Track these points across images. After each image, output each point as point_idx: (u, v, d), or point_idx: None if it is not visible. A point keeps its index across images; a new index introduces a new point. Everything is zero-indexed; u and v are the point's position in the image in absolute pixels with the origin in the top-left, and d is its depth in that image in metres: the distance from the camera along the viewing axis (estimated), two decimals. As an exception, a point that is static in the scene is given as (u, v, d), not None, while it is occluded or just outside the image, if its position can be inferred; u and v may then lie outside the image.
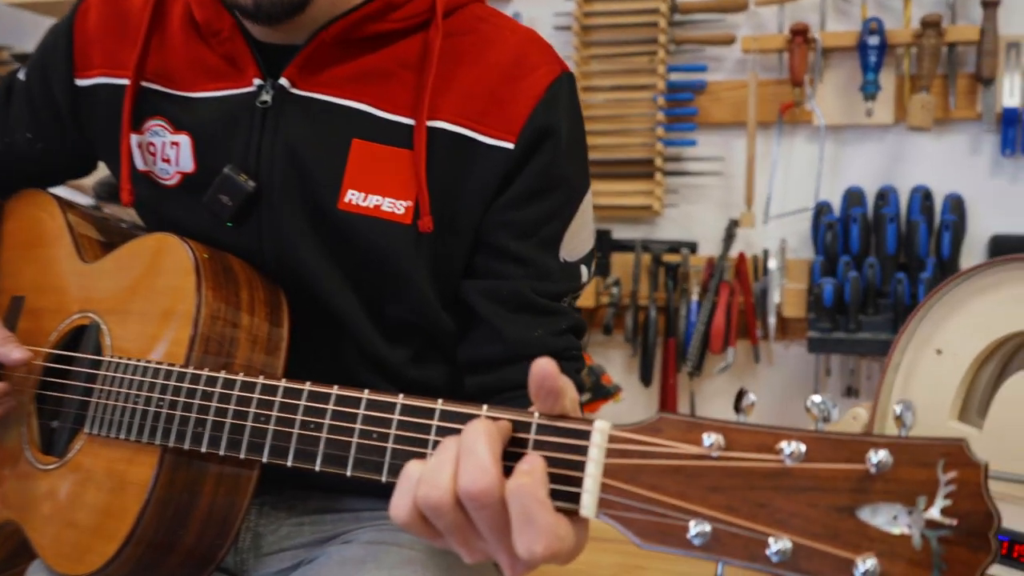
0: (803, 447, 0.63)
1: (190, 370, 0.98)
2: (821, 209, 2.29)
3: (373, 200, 1.08)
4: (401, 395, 0.80)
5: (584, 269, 1.19)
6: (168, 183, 1.15)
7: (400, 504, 0.71)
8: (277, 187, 1.09)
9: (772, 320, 2.24)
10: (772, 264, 2.27)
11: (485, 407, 0.75)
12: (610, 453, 0.68)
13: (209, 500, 1.02)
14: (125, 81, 1.15)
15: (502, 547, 0.69)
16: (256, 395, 0.91)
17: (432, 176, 1.07)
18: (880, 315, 2.12)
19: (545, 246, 1.12)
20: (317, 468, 0.85)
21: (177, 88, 1.14)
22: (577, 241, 1.15)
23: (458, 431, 0.73)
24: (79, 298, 1.16)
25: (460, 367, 1.14)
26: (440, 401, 0.78)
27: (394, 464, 0.79)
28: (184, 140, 1.13)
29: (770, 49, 2.31)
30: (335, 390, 0.85)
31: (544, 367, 0.69)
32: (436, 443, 0.76)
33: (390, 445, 0.79)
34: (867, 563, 0.60)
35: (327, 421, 0.85)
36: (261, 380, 0.92)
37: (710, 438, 0.65)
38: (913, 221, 2.23)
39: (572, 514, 0.68)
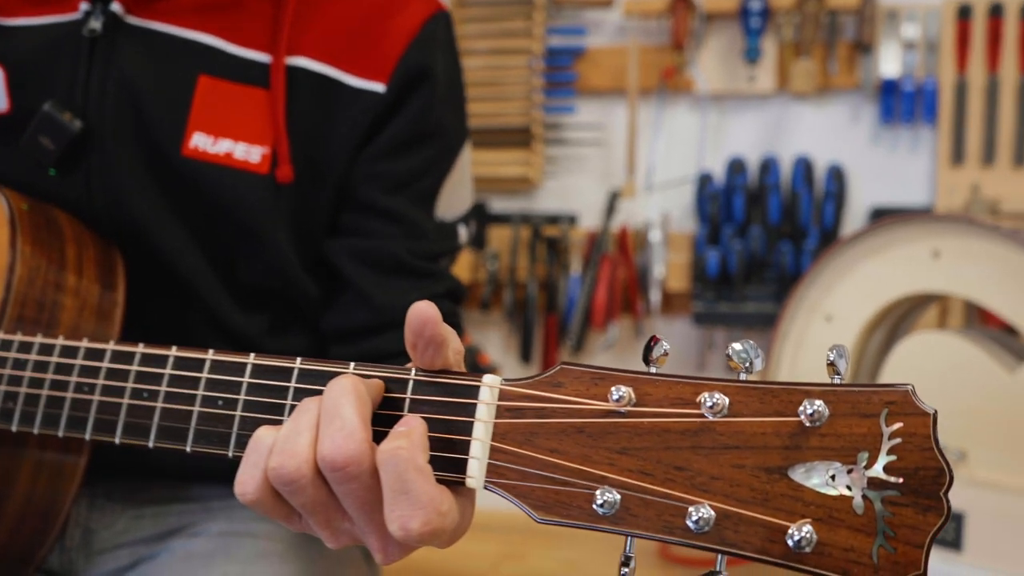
0: (726, 399, 0.54)
1: (0, 335, 0.83)
2: (704, 179, 2.25)
3: (224, 145, 0.96)
4: (252, 354, 0.68)
5: (462, 229, 1.10)
6: None
7: (247, 478, 0.59)
8: (109, 129, 0.95)
9: (656, 294, 2.19)
10: (655, 236, 2.22)
11: (352, 364, 0.63)
12: (501, 412, 0.57)
13: (26, 490, 0.88)
14: None
15: (372, 527, 0.58)
16: (79, 361, 0.77)
17: (292, 120, 0.96)
18: (765, 286, 2.10)
19: (420, 202, 1.03)
20: (151, 444, 0.73)
21: None
22: (455, 198, 1.07)
23: (321, 393, 0.61)
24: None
25: (324, 337, 1.04)
26: (299, 360, 0.66)
27: (242, 436, 0.66)
28: None
29: (651, 13, 2.26)
30: (173, 351, 0.72)
31: (424, 311, 0.57)
32: (294, 409, 0.64)
33: (238, 413, 0.67)
34: (802, 531, 0.51)
35: (163, 388, 0.72)
36: (85, 344, 0.78)
37: (618, 391, 0.55)
38: (796, 191, 2.21)
39: (456, 486, 0.58)
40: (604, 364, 0.60)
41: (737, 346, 0.56)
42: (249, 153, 0.97)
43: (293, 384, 0.65)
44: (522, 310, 2.35)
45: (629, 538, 0.55)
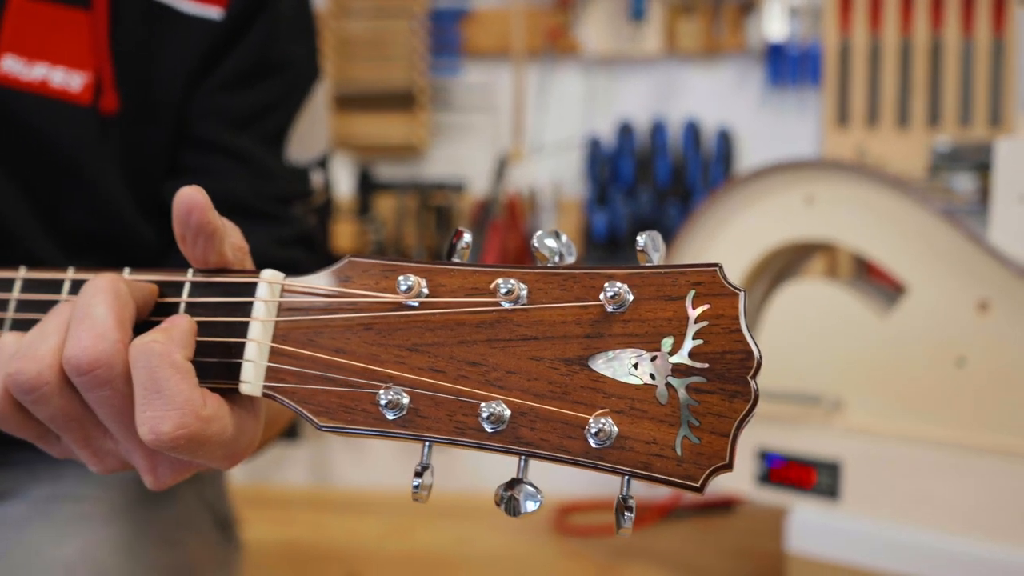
0: (524, 287, 0.49)
1: None
2: (593, 143, 2.22)
3: (39, 71, 0.88)
4: (23, 268, 0.61)
5: (317, 174, 1.04)
6: None
7: None
8: None
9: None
10: (544, 201, 2.18)
11: (128, 269, 0.57)
12: (283, 310, 0.52)
13: None
14: None
15: (134, 443, 0.52)
16: None
17: (117, 45, 0.89)
18: (651, 247, 2.07)
19: (266, 141, 0.97)
20: None
21: None
22: (308, 139, 1.01)
23: None
24: None
25: None
26: (71, 270, 0.59)
27: None
28: None
29: (538, -27, 2.22)
30: None
31: (190, 196, 0.52)
32: None
33: (5, 329, 0.60)
34: (600, 423, 0.47)
35: None
36: None
37: (407, 281, 0.50)
38: (685, 154, 2.19)
39: (231, 394, 0.52)
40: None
41: (546, 239, 0.52)
42: (69, 80, 0.89)
43: (66, 297, 0.58)
44: (413, 282, 2.28)
45: (426, 444, 0.50)
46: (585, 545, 1.86)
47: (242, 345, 0.51)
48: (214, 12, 0.91)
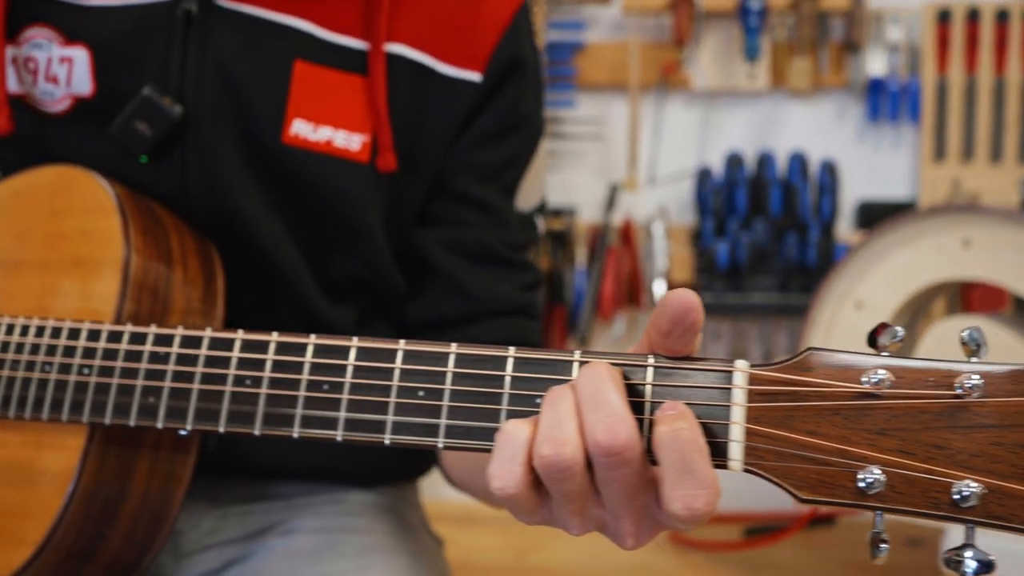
0: (980, 380, 0.56)
1: (129, 328, 0.80)
2: (704, 173, 2.29)
3: (324, 133, 0.94)
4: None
5: (539, 220, 1.10)
6: (54, 109, 0.94)
7: (506, 473, 0.57)
8: (207, 115, 0.92)
9: (660, 286, 2.22)
10: (657, 229, 2.25)
11: (578, 352, 0.63)
12: (753, 396, 0.58)
13: (142, 490, 0.85)
14: None
15: (628, 512, 0.58)
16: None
17: (392, 108, 0.94)
18: (769, 277, 2.15)
19: (505, 192, 1.03)
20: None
21: None
22: (533, 189, 1.07)
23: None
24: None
25: (409, 328, 1.02)
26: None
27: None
28: (79, 55, 0.93)
29: (650, 10, 2.28)
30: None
31: (687, 298, 0.58)
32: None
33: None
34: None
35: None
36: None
37: (876, 375, 0.56)
38: (793, 184, 2.26)
39: (718, 469, 0.58)
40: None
41: (965, 332, 0.59)
42: (349, 141, 0.95)
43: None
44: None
45: (878, 515, 0.56)
46: (707, 559, 1.94)
47: (725, 427, 0.58)
48: (475, 76, 0.96)
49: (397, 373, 0.67)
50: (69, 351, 0.80)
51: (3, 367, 0.83)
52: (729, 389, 0.58)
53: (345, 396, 0.69)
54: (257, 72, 0.93)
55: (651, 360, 0.61)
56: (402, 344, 0.67)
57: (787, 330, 2.28)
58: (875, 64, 2.27)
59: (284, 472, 1.03)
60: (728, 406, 0.58)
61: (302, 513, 1.02)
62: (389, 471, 1.08)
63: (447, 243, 0.98)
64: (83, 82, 0.93)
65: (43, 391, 0.80)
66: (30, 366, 0.82)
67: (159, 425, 0.75)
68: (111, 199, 0.86)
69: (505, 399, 0.63)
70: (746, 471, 0.57)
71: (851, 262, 1.53)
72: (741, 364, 0.59)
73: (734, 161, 2.28)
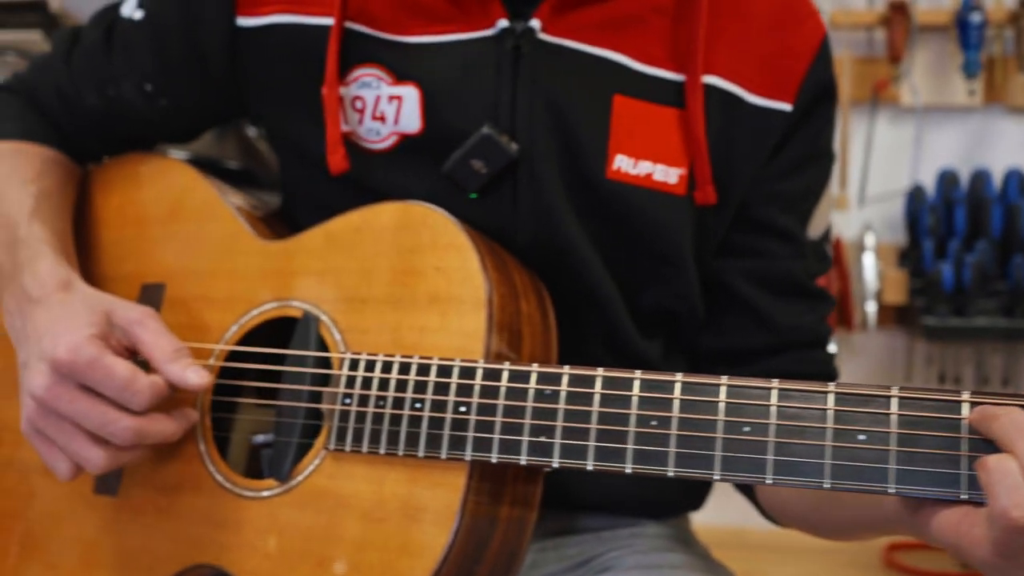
0: None
1: (508, 366, 0.80)
2: (917, 192, 2.22)
3: (644, 167, 0.94)
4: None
5: (828, 248, 1.09)
6: (377, 146, 0.96)
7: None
8: (539, 151, 0.93)
9: (871, 306, 2.16)
10: (869, 248, 2.19)
11: (966, 393, 0.65)
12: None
13: (504, 527, 0.85)
14: (317, 20, 0.95)
15: None
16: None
17: (709, 140, 0.94)
18: (993, 300, 2.07)
19: (802, 221, 1.02)
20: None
21: (386, 31, 0.95)
22: (822, 217, 1.06)
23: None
24: (269, 284, 0.95)
25: (704, 359, 1.02)
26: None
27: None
28: (409, 93, 0.94)
29: (861, 24, 2.23)
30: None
31: None
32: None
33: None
34: None
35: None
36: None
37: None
38: (1015, 204, 2.17)
39: None
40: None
41: None
42: (667, 175, 0.95)
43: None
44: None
45: None
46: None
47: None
48: (785, 106, 0.96)
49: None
50: (441, 388, 0.81)
51: (368, 403, 0.84)
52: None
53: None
54: (582, 107, 0.93)
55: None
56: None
57: (1003, 353, 2.20)
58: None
59: (590, 505, 1.04)
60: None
61: (612, 546, 1.03)
62: (680, 503, 1.08)
63: (749, 273, 0.99)
64: (412, 120, 0.94)
65: (416, 427, 0.81)
66: (398, 403, 0.83)
67: (555, 463, 0.76)
68: (464, 236, 0.87)
69: (894, 439, 0.64)
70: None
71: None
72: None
73: (948, 179, 2.21)
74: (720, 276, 1.00)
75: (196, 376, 0.85)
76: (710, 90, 0.95)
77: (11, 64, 2.37)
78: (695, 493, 1.08)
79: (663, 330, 1.02)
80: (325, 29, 0.94)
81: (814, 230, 1.04)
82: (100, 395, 0.83)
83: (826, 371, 1.01)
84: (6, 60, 2.41)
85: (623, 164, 0.94)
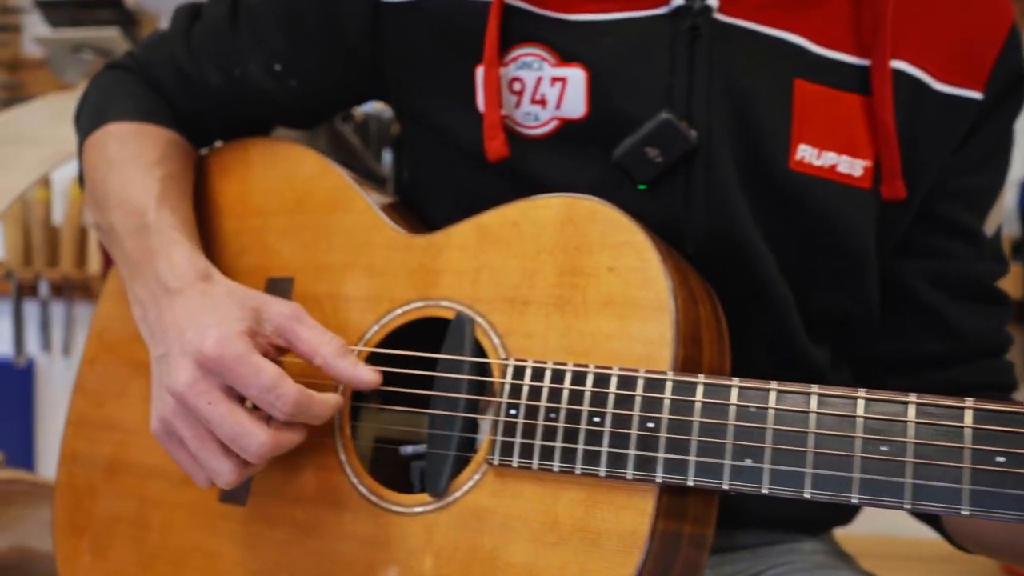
0: None
1: (702, 379, 0.73)
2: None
3: (828, 158, 0.87)
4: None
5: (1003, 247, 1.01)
6: (534, 132, 0.88)
7: None
8: (718, 140, 0.85)
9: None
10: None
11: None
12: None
13: (686, 547, 0.79)
14: None
15: None
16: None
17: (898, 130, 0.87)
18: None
19: (982, 219, 0.95)
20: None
21: (549, 8, 0.87)
22: (997, 212, 1.00)
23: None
24: (413, 281, 0.88)
25: (877, 365, 0.96)
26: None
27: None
28: (575, 75, 0.87)
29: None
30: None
31: None
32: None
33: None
34: None
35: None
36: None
37: None
38: None
39: None
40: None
41: None
42: (852, 167, 0.88)
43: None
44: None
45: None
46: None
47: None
48: (975, 94, 0.89)
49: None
50: (624, 401, 0.74)
51: (537, 415, 0.77)
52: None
53: (911, 459, 0.65)
54: (763, 93, 0.86)
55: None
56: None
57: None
58: None
59: (747, 521, 0.98)
60: None
61: (771, 563, 0.99)
62: (833, 518, 1.02)
63: (930, 274, 0.92)
64: (576, 104, 0.87)
65: (596, 444, 0.74)
66: (573, 416, 0.76)
67: (765, 490, 0.69)
68: (642, 233, 0.79)
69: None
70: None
71: None
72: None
73: (1068, 169, 2.10)
74: (900, 277, 0.94)
75: (368, 374, 0.79)
76: (897, 76, 0.87)
77: (88, 62, 2.34)
78: (846, 506, 1.01)
79: (831, 334, 0.95)
80: (483, 5, 0.87)
81: (990, 228, 0.97)
82: (240, 402, 0.77)
83: (1008, 381, 0.96)
84: (83, 58, 2.39)
85: (807, 154, 0.86)
